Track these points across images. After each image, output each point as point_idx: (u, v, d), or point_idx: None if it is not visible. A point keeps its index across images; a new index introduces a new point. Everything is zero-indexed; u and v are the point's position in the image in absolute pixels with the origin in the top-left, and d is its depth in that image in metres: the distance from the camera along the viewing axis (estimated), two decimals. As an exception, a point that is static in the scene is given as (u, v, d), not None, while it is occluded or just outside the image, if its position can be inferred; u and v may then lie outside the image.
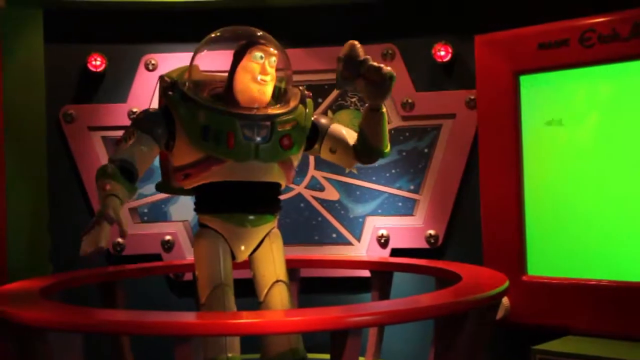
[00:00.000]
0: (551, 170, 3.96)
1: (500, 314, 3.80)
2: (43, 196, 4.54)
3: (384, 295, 3.82)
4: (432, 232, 4.41)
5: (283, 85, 3.14)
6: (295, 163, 3.18)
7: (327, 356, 2.69)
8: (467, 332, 2.77)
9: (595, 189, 3.81)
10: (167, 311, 2.60)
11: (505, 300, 3.88)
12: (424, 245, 4.41)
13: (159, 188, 3.49)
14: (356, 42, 2.95)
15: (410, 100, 4.45)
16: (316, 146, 3.22)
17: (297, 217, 4.55)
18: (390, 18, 4.54)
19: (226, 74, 3.06)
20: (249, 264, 3.18)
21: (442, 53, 4.38)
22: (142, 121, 3.01)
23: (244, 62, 3.01)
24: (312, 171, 4.57)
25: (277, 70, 3.07)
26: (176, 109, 2.98)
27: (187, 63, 3.12)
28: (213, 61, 3.09)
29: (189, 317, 2.57)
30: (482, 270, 3.45)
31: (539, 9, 4.12)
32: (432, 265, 3.68)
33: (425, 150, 4.47)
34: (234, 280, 3.07)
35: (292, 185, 4.47)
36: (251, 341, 3.01)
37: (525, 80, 4.02)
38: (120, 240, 4.49)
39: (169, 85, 3.02)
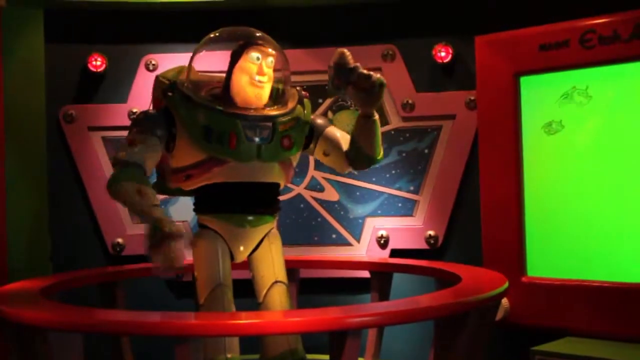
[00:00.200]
0: (551, 171, 3.96)
1: (499, 315, 3.80)
2: (43, 196, 4.54)
3: (384, 296, 3.82)
4: (431, 232, 4.41)
5: (281, 86, 3.12)
6: (294, 163, 3.19)
7: (327, 357, 2.69)
8: (467, 333, 2.77)
9: (595, 190, 3.81)
10: (167, 311, 2.60)
11: (504, 301, 3.88)
12: (424, 246, 4.41)
13: (155, 189, 3.47)
14: (345, 50, 2.92)
15: (410, 101, 4.45)
16: (311, 146, 3.22)
17: (296, 218, 4.55)
18: (390, 19, 4.54)
19: (223, 74, 3.05)
20: (248, 264, 3.18)
21: (443, 54, 4.38)
22: (146, 123, 2.98)
23: (241, 63, 3.00)
24: (312, 172, 4.57)
25: (275, 70, 3.05)
26: (177, 110, 2.97)
27: (187, 63, 3.11)
28: (212, 61, 3.09)
29: (188, 318, 2.57)
30: (481, 271, 3.45)
31: (539, 9, 4.13)
32: (432, 266, 3.68)
33: (426, 151, 4.47)
34: (233, 281, 3.06)
35: (291, 186, 4.47)
36: (250, 342, 3.01)
37: (526, 81, 4.02)
38: (120, 240, 4.50)
39: (168, 86, 3.00)
